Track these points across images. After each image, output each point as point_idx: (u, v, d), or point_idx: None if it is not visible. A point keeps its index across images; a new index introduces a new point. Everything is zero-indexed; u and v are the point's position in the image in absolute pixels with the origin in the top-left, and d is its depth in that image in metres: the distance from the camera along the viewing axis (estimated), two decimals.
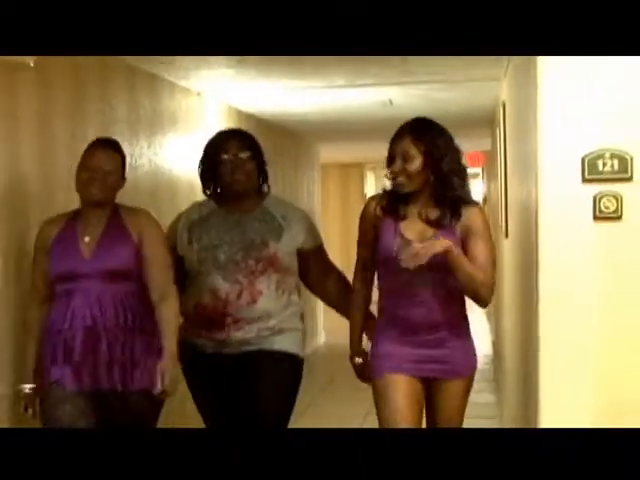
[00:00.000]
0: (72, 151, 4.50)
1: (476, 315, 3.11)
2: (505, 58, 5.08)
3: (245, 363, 3.55)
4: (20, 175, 3.79)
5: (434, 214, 3.23)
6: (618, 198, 2.96)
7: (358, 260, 3.47)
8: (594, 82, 2.99)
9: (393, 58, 5.25)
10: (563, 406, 3.03)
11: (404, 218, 3.26)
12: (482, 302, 3.24)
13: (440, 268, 3.13)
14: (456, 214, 3.22)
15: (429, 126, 3.26)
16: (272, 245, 3.55)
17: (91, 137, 4.66)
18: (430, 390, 3.30)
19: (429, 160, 3.18)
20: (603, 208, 2.97)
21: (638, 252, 2.97)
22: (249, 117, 7.50)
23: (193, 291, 3.61)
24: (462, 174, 3.27)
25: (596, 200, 2.98)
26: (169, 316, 3.45)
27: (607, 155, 2.96)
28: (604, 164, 2.96)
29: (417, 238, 3.18)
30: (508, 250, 5.45)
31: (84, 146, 4.59)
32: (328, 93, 6.57)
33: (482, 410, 6.51)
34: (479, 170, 12.88)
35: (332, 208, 13.53)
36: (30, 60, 3.92)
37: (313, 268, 3.73)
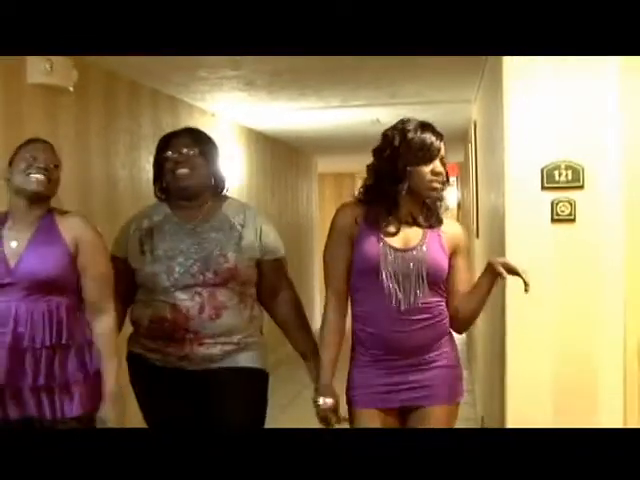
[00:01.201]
0: (106, 165, 4.52)
1: None
2: (476, 83, 5.08)
3: (210, 381, 2.85)
4: (61, 186, 3.79)
5: (419, 220, 2.62)
6: (572, 203, 2.98)
7: (331, 290, 2.64)
8: (552, 106, 3.00)
9: (382, 83, 5.26)
10: (525, 379, 3.04)
11: (387, 226, 2.59)
12: (465, 329, 2.77)
13: (432, 280, 2.59)
14: (438, 219, 2.65)
15: None
16: (231, 257, 2.83)
17: (122, 151, 4.69)
18: (411, 420, 2.61)
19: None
20: (559, 212, 2.99)
21: (588, 248, 2.99)
22: (257, 134, 7.49)
23: (147, 304, 2.86)
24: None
25: (553, 205, 3.00)
26: (106, 334, 2.65)
27: (562, 167, 2.98)
28: (560, 174, 2.98)
29: (402, 245, 2.58)
30: (479, 248, 5.45)
31: (117, 160, 4.62)
32: (325, 113, 6.56)
33: None
34: (454, 179, 12.86)
35: (328, 211, 13.51)
36: (70, 85, 3.93)
37: (267, 281, 2.96)
